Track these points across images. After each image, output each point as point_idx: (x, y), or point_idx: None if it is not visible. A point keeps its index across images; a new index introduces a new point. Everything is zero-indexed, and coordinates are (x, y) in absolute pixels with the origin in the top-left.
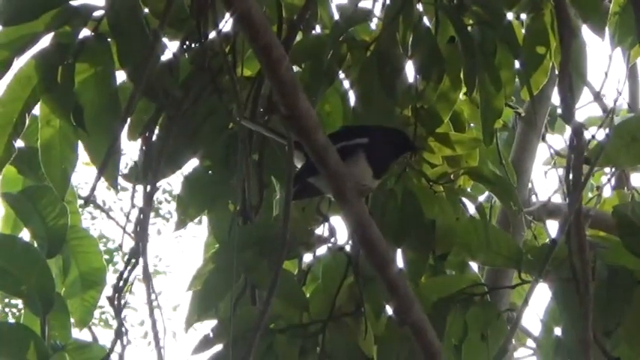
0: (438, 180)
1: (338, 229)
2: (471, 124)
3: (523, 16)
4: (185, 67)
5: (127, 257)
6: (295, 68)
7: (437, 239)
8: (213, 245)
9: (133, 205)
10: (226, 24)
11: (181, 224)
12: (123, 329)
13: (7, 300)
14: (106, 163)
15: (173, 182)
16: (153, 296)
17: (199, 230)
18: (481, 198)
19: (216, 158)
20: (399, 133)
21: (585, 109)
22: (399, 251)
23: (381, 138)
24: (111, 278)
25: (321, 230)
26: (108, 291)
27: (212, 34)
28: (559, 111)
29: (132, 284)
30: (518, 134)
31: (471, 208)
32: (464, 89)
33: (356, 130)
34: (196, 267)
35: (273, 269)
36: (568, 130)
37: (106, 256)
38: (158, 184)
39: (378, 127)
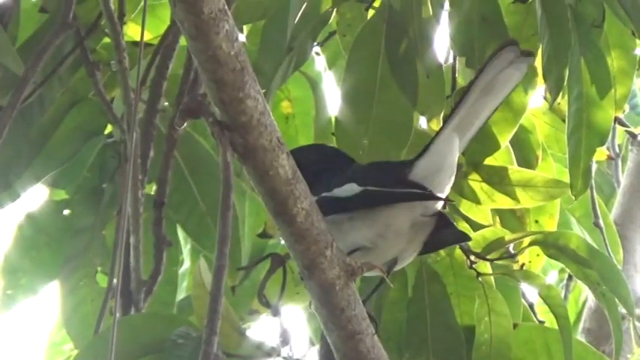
0: (483, 253)
1: (294, 330)
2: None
3: None
4: (31, 16)
5: None
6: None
7: None
8: (60, 348)
9: None
10: None
11: (7, 304)
12: None
13: None
14: None
15: None
16: None
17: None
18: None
19: (80, 188)
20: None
21: None
22: None
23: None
24: None
25: (263, 331)
26: None
27: None
28: None
29: None
30: (629, 174)
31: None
32: (540, 84)
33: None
34: None
35: None
36: None
37: None
38: None
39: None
